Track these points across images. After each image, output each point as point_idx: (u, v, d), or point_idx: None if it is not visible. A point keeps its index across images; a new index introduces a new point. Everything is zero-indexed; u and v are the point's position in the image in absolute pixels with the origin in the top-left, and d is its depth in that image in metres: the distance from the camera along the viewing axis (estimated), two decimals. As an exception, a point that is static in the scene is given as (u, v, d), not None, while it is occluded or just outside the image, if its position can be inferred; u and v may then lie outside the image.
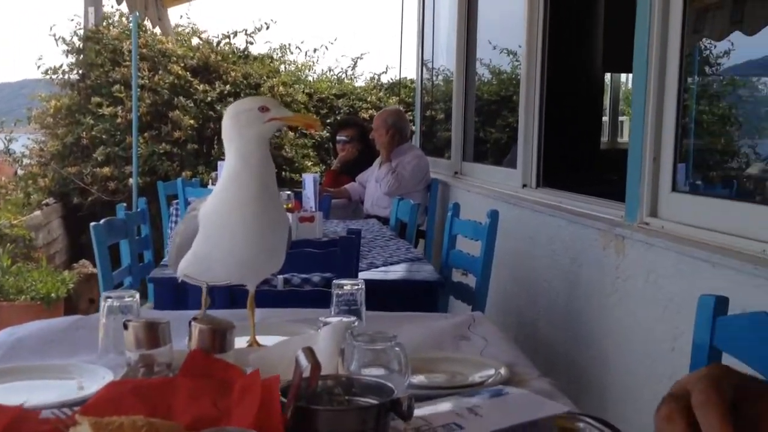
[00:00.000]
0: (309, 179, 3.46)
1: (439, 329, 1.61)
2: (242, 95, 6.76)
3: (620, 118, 7.04)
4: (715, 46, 3.41)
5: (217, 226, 1.43)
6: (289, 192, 3.41)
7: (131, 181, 5.96)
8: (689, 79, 3.27)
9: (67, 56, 6.83)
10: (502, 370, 1.29)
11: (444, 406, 1.07)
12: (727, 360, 1.38)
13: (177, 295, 2.41)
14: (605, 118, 6.84)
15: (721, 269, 1.97)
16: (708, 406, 0.61)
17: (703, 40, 2.94)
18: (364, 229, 3.71)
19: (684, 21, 2.41)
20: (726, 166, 4.58)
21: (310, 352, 0.86)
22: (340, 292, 1.44)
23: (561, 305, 3.08)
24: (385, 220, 4.61)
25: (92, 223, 2.66)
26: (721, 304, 1.37)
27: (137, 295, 1.34)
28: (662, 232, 2.40)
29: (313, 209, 3.37)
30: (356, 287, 1.44)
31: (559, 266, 3.13)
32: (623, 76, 6.92)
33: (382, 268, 2.72)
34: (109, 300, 1.31)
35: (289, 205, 3.31)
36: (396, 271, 2.71)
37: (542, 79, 3.87)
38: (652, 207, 2.52)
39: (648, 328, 2.31)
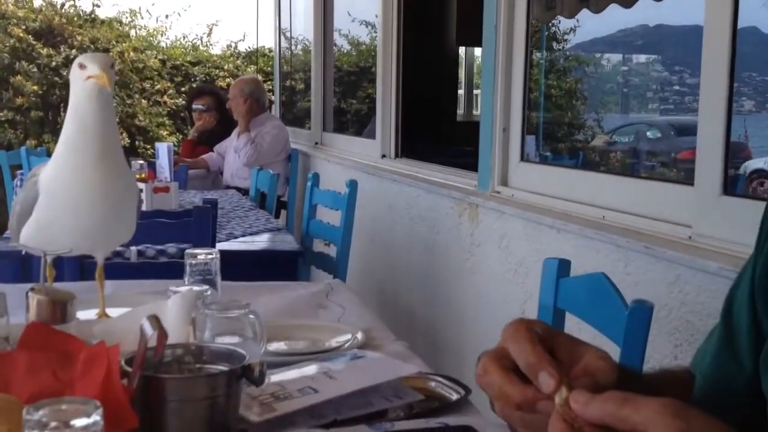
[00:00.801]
0: (163, 148, 3.35)
1: (296, 298, 1.61)
2: (91, 61, 6.41)
3: (475, 92, 7.24)
4: (561, 23, 3.58)
5: (58, 192, 1.36)
6: (141, 162, 3.29)
7: (-32, 150, 5.54)
8: (538, 54, 3.42)
9: None
10: (359, 335, 1.31)
11: (301, 371, 1.07)
12: (570, 320, 1.47)
13: (22, 268, 2.28)
14: (461, 91, 7.01)
15: (565, 234, 2.08)
16: (517, 335, 0.63)
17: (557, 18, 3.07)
18: (222, 200, 3.64)
19: (530, -3, 2.51)
20: (573, 139, 4.84)
21: (155, 320, 0.83)
22: (193, 262, 1.41)
23: (420, 271, 3.16)
24: (245, 191, 4.54)
25: None
26: (563, 266, 1.45)
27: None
28: (512, 200, 2.51)
29: (168, 179, 3.27)
30: (210, 256, 1.41)
31: (417, 234, 3.20)
32: (477, 49, 7.12)
33: (242, 239, 2.68)
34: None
35: (142, 175, 3.20)
36: (256, 242, 2.68)
37: (398, 51, 3.91)
38: (503, 176, 2.63)
39: (500, 291, 2.42)
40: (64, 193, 1.35)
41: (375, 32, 5.36)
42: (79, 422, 0.63)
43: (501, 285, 2.43)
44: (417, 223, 3.21)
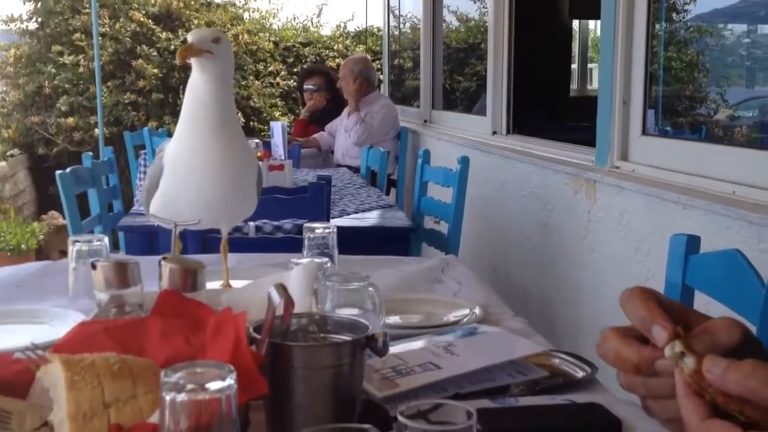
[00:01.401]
0: (277, 127, 3.42)
1: (412, 272, 1.61)
2: (207, 44, 6.61)
3: (589, 66, 7.02)
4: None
5: (179, 165, 1.40)
6: (257, 141, 3.37)
7: (97, 131, 5.84)
8: (657, 26, 3.26)
9: (24, 3, 6.61)
10: (477, 310, 1.29)
11: (419, 344, 1.07)
12: (700, 297, 1.40)
13: (149, 242, 2.38)
14: (574, 66, 6.81)
15: (691, 210, 1.99)
16: (632, 296, 0.63)
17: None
18: (334, 178, 3.68)
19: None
20: (695, 112, 4.62)
21: (282, 289, 0.84)
22: (311, 236, 1.42)
23: (533, 249, 3.10)
24: (355, 170, 4.58)
25: (58, 172, 2.60)
26: (693, 242, 1.38)
27: (106, 239, 1.31)
28: (633, 175, 2.41)
29: (283, 157, 3.34)
30: (328, 230, 1.42)
31: (530, 211, 3.14)
32: (591, 22, 6.90)
33: (354, 215, 2.71)
34: (77, 244, 1.28)
35: (258, 154, 3.27)
36: (368, 218, 2.70)
37: (510, 26, 3.84)
38: (623, 151, 2.53)
39: (620, 269, 2.34)
40: (184, 167, 1.40)
41: (484, 8, 5.28)
42: (213, 385, 0.64)
43: (621, 263, 2.35)
44: (530, 200, 3.15)
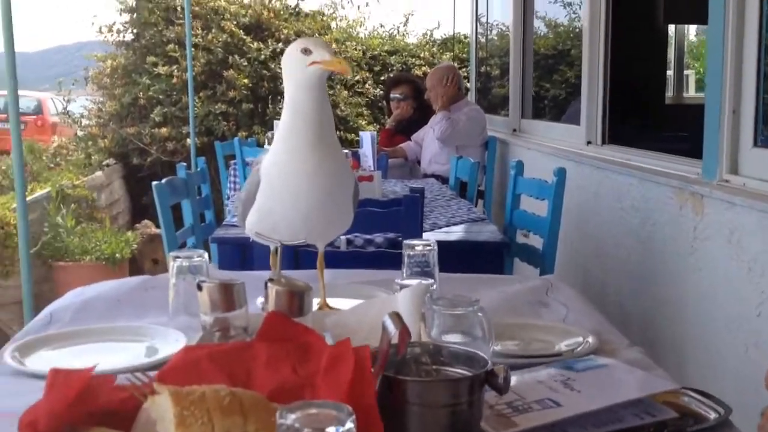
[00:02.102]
0: (366, 137, 3.39)
1: (515, 293, 1.54)
2: (296, 53, 6.68)
3: (686, 72, 6.76)
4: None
5: (276, 178, 1.37)
6: (346, 151, 3.35)
7: (189, 141, 5.97)
8: None
9: (120, 15, 6.84)
10: (590, 339, 1.21)
11: (534, 376, 1.00)
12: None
13: (241, 254, 2.39)
14: (669, 72, 6.57)
15: (814, 229, 1.85)
16: None
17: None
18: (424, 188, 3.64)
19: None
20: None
21: (397, 318, 0.80)
22: (411, 253, 1.38)
23: (632, 264, 2.97)
24: (443, 179, 4.52)
25: (154, 183, 2.64)
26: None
27: (206, 255, 1.29)
28: (744, 189, 2.27)
29: (372, 168, 3.31)
30: (429, 248, 1.37)
31: (628, 225, 3.01)
32: (687, 27, 6.65)
33: (445, 229, 2.65)
34: (178, 260, 1.27)
35: (348, 164, 3.26)
36: (459, 232, 2.63)
37: (606, 31, 3.72)
38: (732, 163, 2.39)
39: (730, 290, 2.21)
40: (281, 179, 1.37)
41: (574, 13, 5.13)
42: (332, 430, 0.60)
43: (731, 283, 2.21)
44: (629, 213, 3.02)
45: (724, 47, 2.35)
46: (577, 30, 5.31)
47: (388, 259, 2.23)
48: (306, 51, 1.34)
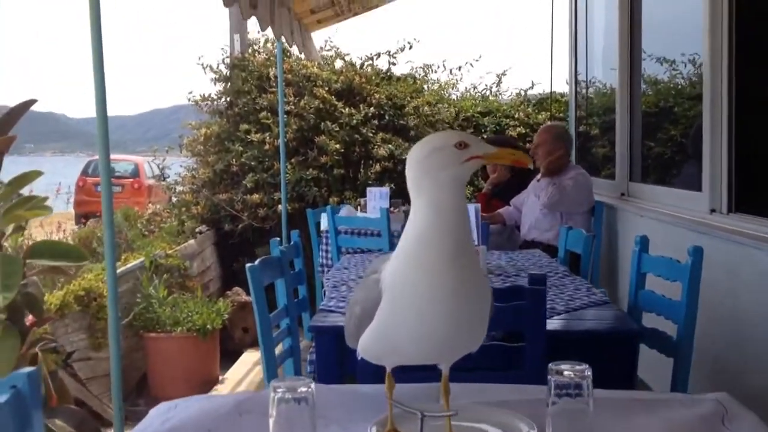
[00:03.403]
0: (470, 209, 3.16)
1: (682, 421, 1.25)
2: (386, 117, 6.57)
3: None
4: None
5: (406, 294, 1.16)
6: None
7: (280, 207, 5.88)
8: None
9: (215, 84, 6.91)
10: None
11: None
12: None
13: (340, 345, 2.17)
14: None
15: None
16: None
17: None
18: (529, 262, 3.37)
19: None
20: None
21: None
22: (559, 380, 1.12)
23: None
24: (544, 246, 4.24)
25: (248, 265, 2.47)
26: None
27: (312, 385, 1.08)
28: None
29: (476, 242, 3.07)
30: (582, 375, 1.11)
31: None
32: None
33: (564, 315, 2.36)
34: (279, 391, 1.06)
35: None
36: (583, 320, 2.34)
37: (730, 87, 3.40)
38: None
39: None
40: (410, 298, 1.15)
41: (675, 69, 4.84)
42: None
43: None
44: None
45: None
46: (680, 86, 5.01)
47: (507, 354, 1.97)
48: (461, 145, 1.17)
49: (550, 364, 1.15)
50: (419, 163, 1.19)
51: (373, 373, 1.66)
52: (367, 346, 1.21)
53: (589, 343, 2.22)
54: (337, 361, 2.11)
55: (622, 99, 4.86)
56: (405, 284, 1.15)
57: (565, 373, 1.13)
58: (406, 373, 1.32)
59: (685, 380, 2.40)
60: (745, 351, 2.86)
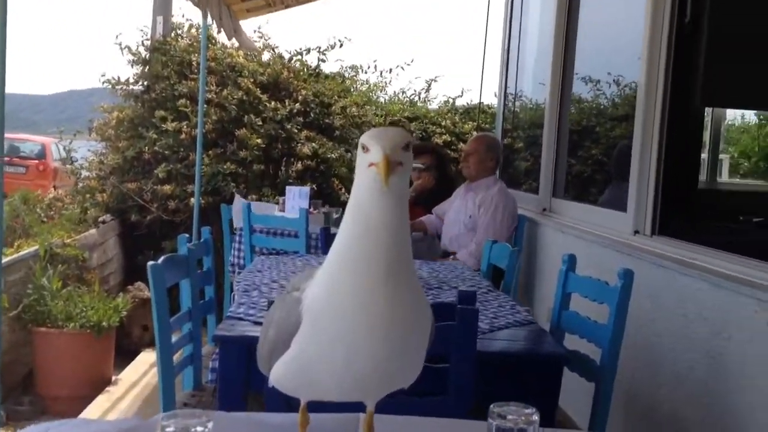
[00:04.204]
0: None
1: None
2: (312, 114, 6.37)
3: (720, 156, 6.44)
4: None
5: (326, 321, 0.98)
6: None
7: (193, 201, 5.59)
8: None
9: (132, 67, 6.55)
10: None
11: None
12: None
13: (248, 356, 1.97)
14: (704, 156, 6.25)
15: None
16: None
17: None
18: (451, 275, 3.24)
19: None
20: None
21: None
22: (501, 425, 0.97)
23: (698, 385, 2.55)
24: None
25: (150, 263, 2.24)
26: None
27: (210, 424, 0.88)
28: None
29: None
30: (530, 420, 0.96)
31: (693, 337, 2.61)
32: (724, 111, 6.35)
33: (489, 335, 2.23)
34: (168, 431, 0.86)
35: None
36: (509, 341, 2.22)
37: (663, 112, 3.39)
38: None
39: None
40: (333, 324, 0.97)
41: (599, 90, 4.86)
42: None
43: None
44: (695, 323, 2.62)
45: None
46: (602, 107, 5.03)
47: (430, 378, 1.82)
48: (364, 148, 1.01)
49: (492, 406, 0.99)
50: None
51: (285, 397, 1.48)
52: (280, 376, 1.03)
53: (514, 365, 2.10)
54: (242, 376, 1.91)
55: (551, 115, 4.83)
56: (328, 307, 0.98)
57: (509, 417, 0.97)
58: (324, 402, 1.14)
59: (606, 406, 2.31)
60: (659, 380, 2.81)
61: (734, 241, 2.91)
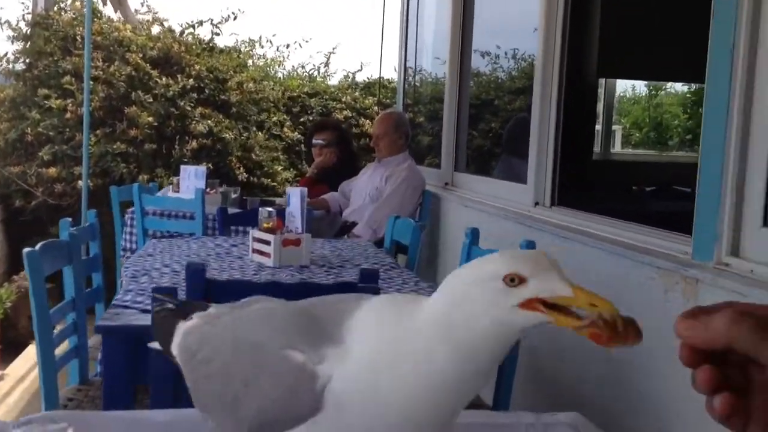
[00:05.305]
0: (295, 194, 2.90)
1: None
2: (207, 91, 6.13)
3: (613, 127, 6.62)
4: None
5: (359, 410, 0.78)
6: (270, 209, 2.85)
7: (80, 183, 5.29)
8: None
9: (12, 43, 6.14)
10: None
11: None
12: None
13: (133, 349, 1.83)
14: (598, 127, 6.41)
15: None
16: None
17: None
18: (355, 253, 3.16)
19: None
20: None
21: None
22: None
23: (598, 356, 2.57)
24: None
25: (26, 250, 2.06)
26: None
27: (71, 430, 0.77)
28: (750, 276, 1.92)
29: (299, 230, 2.82)
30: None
31: (595, 306, 2.62)
32: (618, 82, 6.53)
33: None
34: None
35: (269, 225, 2.76)
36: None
37: (560, 86, 3.40)
38: (734, 245, 2.04)
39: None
40: (369, 415, 0.78)
41: (496, 63, 4.89)
42: None
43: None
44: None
45: (729, 106, 2.01)
46: (500, 80, 5.06)
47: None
48: (515, 280, 0.76)
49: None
50: (460, 288, 0.79)
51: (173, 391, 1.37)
52: None
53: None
54: (128, 368, 1.78)
55: (451, 90, 4.80)
56: (364, 394, 0.78)
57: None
58: None
59: (509, 382, 2.30)
60: (565, 355, 2.82)
61: (630, 210, 2.97)
